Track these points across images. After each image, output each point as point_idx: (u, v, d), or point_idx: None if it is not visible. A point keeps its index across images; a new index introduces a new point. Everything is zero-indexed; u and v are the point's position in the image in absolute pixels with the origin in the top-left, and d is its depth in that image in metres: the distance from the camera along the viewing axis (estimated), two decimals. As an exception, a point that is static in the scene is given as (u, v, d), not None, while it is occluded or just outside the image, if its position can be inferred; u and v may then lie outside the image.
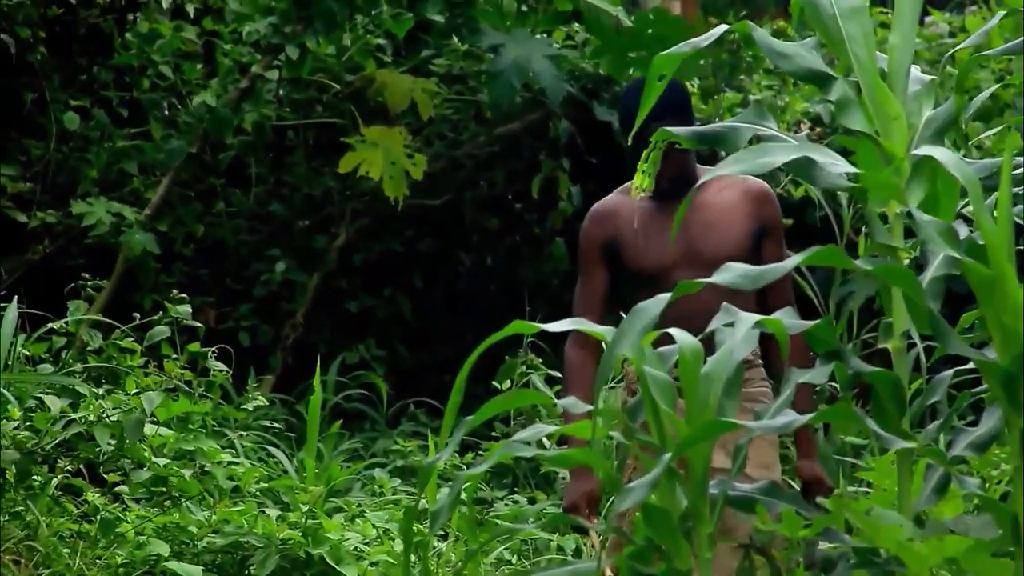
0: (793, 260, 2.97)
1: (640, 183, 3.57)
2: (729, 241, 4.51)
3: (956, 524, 3.11)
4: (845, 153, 3.32)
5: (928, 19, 10.34)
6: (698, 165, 4.63)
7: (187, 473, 6.22)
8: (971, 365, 3.18)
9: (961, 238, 3.02)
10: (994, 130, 7.04)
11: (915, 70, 3.32)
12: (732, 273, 3.05)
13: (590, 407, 3.14)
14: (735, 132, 3.28)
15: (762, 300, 4.48)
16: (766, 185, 4.61)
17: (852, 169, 3.14)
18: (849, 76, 3.26)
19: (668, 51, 3.31)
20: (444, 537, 6.43)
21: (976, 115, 9.21)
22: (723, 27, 3.37)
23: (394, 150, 8.77)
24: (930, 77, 3.32)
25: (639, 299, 4.51)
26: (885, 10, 9.97)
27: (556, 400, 3.24)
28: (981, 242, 3.00)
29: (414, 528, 3.67)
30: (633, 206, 4.58)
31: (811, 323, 3.11)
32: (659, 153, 3.44)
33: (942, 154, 3.04)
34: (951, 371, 3.30)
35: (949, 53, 3.43)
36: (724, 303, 3.20)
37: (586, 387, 4.54)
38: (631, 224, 4.57)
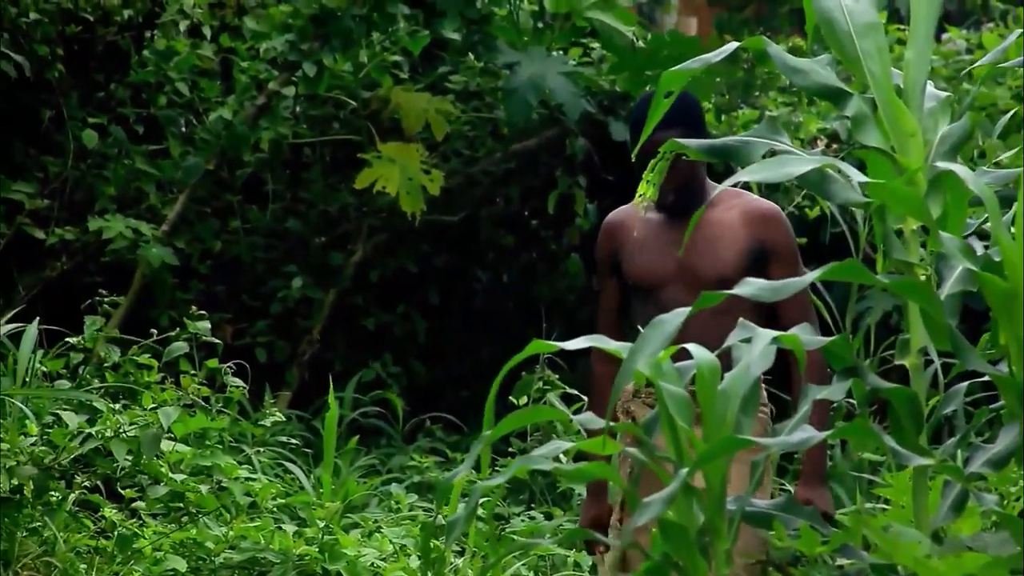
0: (812, 275, 2.97)
1: (644, 192, 3.56)
2: (724, 260, 4.48)
3: (974, 541, 3.11)
4: (861, 169, 3.32)
5: (945, 36, 10.33)
6: (709, 181, 4.62)
7: (204, 489, 6.22)
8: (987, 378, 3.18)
9: (978, 254, 3.03)
10: (1013, 150, 7.03)
11: (930, 86, 3.32)
12: (753, 287, 3.05)
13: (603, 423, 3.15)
14: (747, 146, 3.28)
15: (773, 322, 4.44)
16: (772, 206, 4.56)
17: (867, 180, 3.14)
18: (865, 93, 3.26)
19: (678, 67, 3.32)
20: (461, 553, 6.43)
21: (991, 132, 9.22)
22: (735, 44, 3.38)
23: (411, 166, 8.78)
24: (945, 93, 3.32)
25: (636, 311, 4.55)
26: (902, 27, 9.98)
27: (572, 416, 3.24)
28: (997, 258, 3.00)
29: (431, 544, 3.68)
30: (637, 219, 4.59)
31: (828, 339, 3.11)
32: (665, 164, 3.44)
33: (959, 169, 3.04)
34: (965, 383, 3.30)
35: (966, 70, 3.44)
36: (740, 319, 3.20)
37: (606, 403, 4.54)
38: (632, 235, 4.59)
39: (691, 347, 3.06)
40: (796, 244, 4.59)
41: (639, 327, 4.50)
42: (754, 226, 4.51)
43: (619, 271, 4.63)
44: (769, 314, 4.44)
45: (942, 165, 3.13)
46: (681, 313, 2.99)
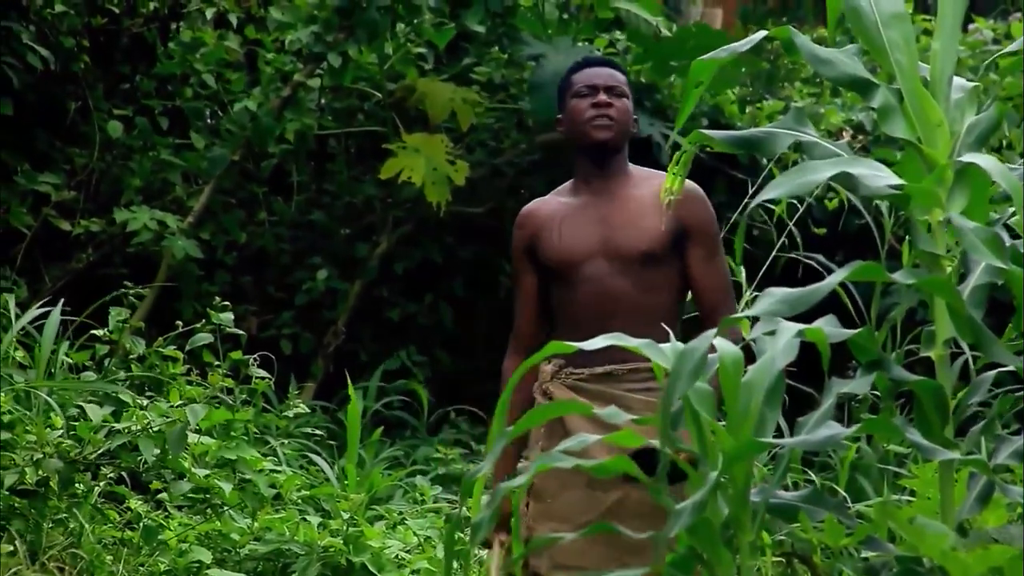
0: (834, 277, 2.95)
1: (670, 185, 3.54)
2: (643, 236, 4.45)
3: (1000, 533, 3.10)
4: (886, 162, 3.31)
5: (972, 26, 10.29)
6: (632, 165, 4.60)
7: (227, 488, 6.23)
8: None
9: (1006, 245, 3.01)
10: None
11: (957, 77, 3.30)
12: (773, 300, 3.02)
13: (629, 416, 3.14)
14: (772, 137, 3.27)
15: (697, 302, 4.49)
16: (692, 185, 4.48)
17: (894, 180, 3.12)
18: (891, 83, 3.24)
19: (706, 56, 3.31)
20: (485, 545, 6.43)
21: (1017, 122, 9.17)
22: (762, 33, 3.36)
23: (436, 157, 8.78)
24: (972, 84, 3.30)
25: (557, 296, 4.55)
26: (928, 17, 9.94)
27: (595, 411, 3.22)
28: (1024, 250, 2.98)
29: (455, 537, 3.67)
30: (557, 201, 4.60)
31: (853, 331, 3.09)
32: (690, 156, 3.42)
33: (986, 161, 3.02)
34: (992, 372, 3.28)
35: (992, 59, 3.42)
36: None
37: (515, 401, 4.54)
38: (549, 220, 4.57)
39: (717, 341, 3.04)
40: (716, 226, 4.55)
41: (559, 313, 4.56)
42: (678, 204, 4.48)
43: (536, 258, 4.62)
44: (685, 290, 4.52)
45: (968, 157, 3.12)
46: (708, 337, 2.96)
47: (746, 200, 3.16)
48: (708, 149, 4.53)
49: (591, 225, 4.51)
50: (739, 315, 3.09)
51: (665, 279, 4.49)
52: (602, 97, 4.53)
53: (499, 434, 3.09)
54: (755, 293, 6.44)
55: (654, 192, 4.46)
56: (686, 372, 2.91)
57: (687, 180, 4.50)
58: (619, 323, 4.23)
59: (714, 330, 2.97)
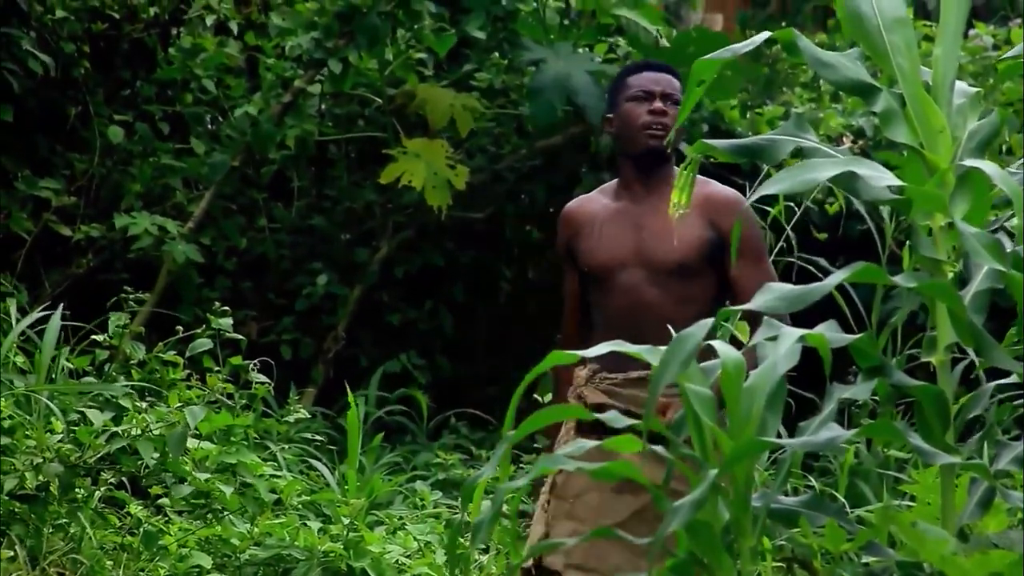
0: (834, 278, 2.95)
1: (677, 199, 3.52)
2: (679, 247, 4.44)
3: (1001, 538, 3.10)
4: (887, 166, 3.31)
5: (972, 32, 10.29)
6: (676, 170, 4.60)
7: (228, 491, 6.23)
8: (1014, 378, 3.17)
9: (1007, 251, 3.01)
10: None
11: (958, 82, 3.31)
12: (772, 296, 3.03)
13: (632, 420, 3.14)
14: (774, 144, 3.27)
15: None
16: (734, 194, 4.51)
17: (896, 182, 3.13)
18: (892, 88, 3.25)
19: (708, 56, 3.31)
20: (486, 550, 6.43)
21: (1018, 127, 9.18)
22: (765, 33, 3.36)
23: (436, 161, 8.78)
24: (974, 89, 3.31)
25: (594, 299, 4.55)
26: (929, 23, 9.94)
27: (598, 415, 3.22)
28: (1026, 255, 2.99)
29: (456, 542, 3.68)
30: (600, 202, 4.59)
31: (854, 337, 3.09)
32: (695, 167, 3.41)
33: (988, 167, 3.02)
34: (993, 384, 3.28)
35: (991, 63, 3.42)
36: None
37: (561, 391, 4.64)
38: (589, 222, 4.57)
39: (717, 344, 3.05)
40: (760, 234, 4.55)
41: (596, 315, 4.56)
42: (715, 214, 4.47)
43: (575, 259, 4.62)
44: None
45: (970, 162, 3.12)
46: (706, 324, 2.96)
47: (750, 196, 3.14)
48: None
49: (628, 232, 4.50)
50: (736, 307, 3.10)
51: (700, 291, 4.47)
52: (658, 104, 4.50)
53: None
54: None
55: (695, 202, 4.37)
56: (679, 356, 2.92)
57: (729, 189, 4.53)
58: (651, 332, 4.17)
59: (709, 321, 2.98)
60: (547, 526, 4.50)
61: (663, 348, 3.07)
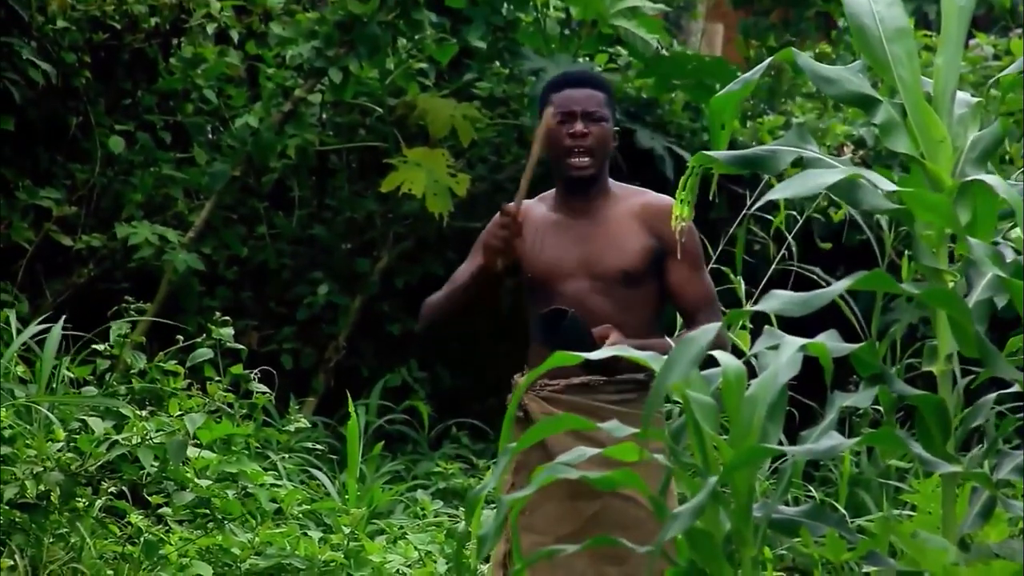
0: (839, 285, 2.96)
1: (680, 212, 3.49)
2: (623, 255, 4.47)
3: (1002, 548, 3.10)
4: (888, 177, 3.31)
5: (972, 41, 10.30)
6: (612, 181, 4.59)
7: (230, 494, 6.23)
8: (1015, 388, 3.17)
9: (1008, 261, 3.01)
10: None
11: (960, 92, 3.31)
12: (777, 301, 3.03)
13: (631, 430, 3.13)
14: (775, 155, 3.27)
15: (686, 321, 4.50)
16: (671, 201, 4.52)
17: (897, 189, 3.12)
18: (893, 98, 3.25)
19: (723, 92, 3.32)
20: (486, 560, 6.43)
21: (1020, 136, 9.18)
22: (769, 59, 3.38)
23: (437, 170, 8.79)
24: (975, 99, 3.31)
25: (530, 306, 4.55)
26: (929, 33, 9.95)
27: (599, 425, 3.22)
28: (1028, 264, 2.99)
29: (460, 552, 3.69)
30: (541, 212, 4.59)
31: (855, 346, 3.09)
32: (696, 179, 3.40)
33: (989, 177, 3.03)
34: (994, 394, 3.29)
35: (995, 78, 3.42)
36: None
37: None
38: (533, 228, 4.56)
39: (718, 353, 3.04)
40: (698, 240, 4.56)
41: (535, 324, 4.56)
42: (651, 222, 4.49)
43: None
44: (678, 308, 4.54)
45: (972, 173, 3.12)
46: (711, 329, 2.96)
47: (750, 203, 3.13)
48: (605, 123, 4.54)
49: (571, 243, 4.52)
50: (744, 311, 3.10)
51: (644, 297, 4.50)
52: (578, 127, 4.50)
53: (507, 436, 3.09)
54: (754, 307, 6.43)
55: (633, 211, 4.49)
56: (682, 361, 2.92)
57: (664, 196, 4.54)
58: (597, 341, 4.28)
59: (715, 326, 2.97)
60: (508, 542, 4.51)
61: (663, 354, 3.07)
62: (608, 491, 4.33)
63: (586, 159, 4.49)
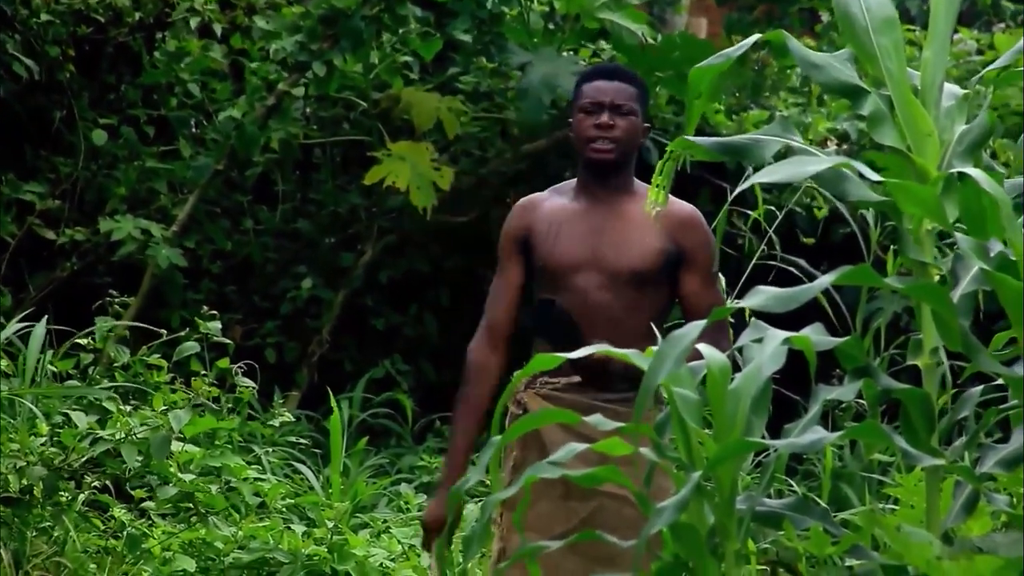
0: (825, 279, 2.95)
1: (655, 198, 3.48)
2: (635, 255, 4.45)
3: (985, 542, 3.10)
4: (873, 166, 3.31)
5: (956, 36, 10.32)
6: (638, 181, 4.58)
7: (213, 489, 6.23)
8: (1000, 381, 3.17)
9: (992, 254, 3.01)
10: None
11: (947, 85, 3.30)
12: (761, 296, 3.02)
13: (615, 424, 3.13)
14: (759, 144, 3.25)
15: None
16: (692, 210, 4.51)
17: (883, 181, 3.12)
18: (879, 90, 3.24)
19: (702, 64, 3.30)
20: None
21: (1004, 132, 9.21)
22: (756, 36, 3.35)
23: (421, 163, 8.78)
24: (963, 92, 3.30)
25: (541, 295, 4.55)
26: (912, 27, 9.96)
27: (584, 419, 3.22)
28: (1013, 258, 2.98)
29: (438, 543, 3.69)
30: (556, 202, 4.58)
31: (840, 340, 3.09)
32: (673, 165, 3.38)
33: (975, 171, 3.02)
34: (980, 387, 3.29)
35: (980, 74, 3.41)
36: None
37: (472, 409, 4.61)
38: (547, 220, 4.56)
39: (702, 347, 3.04)
40: (715, 252, 4.53)
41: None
42: (671, 227, 4.47)
43: (527, 252, 4.60)
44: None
45: (958, 167, 3.12)
46: (698, 326, 2.96)
47: (737, 189, 3.12)
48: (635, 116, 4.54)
49: (586, 235, 4.49)
50: (728, 307, 3.09)
51: (650, 300, 4.48)
52: (604, 119, 4.48)
53: (489, 443, 3.08)
54: (736, 301, 6.44)
55: (658, 214, 4.42)
56: (671, 356, 2.91)
57: (687, 204, 4.52)
58: (599, 337, 4.24)
59: (703, 320, 2.97)
60: (503, 540, 4.50)
61: (648, 352, 3.07)
62: (603, 492, 4.34)
63: (609, 145, 4.47)
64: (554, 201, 4.59)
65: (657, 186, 3.37)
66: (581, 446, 3.10)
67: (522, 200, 4.66)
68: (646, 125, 4.56)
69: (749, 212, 7.51)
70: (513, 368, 4.67)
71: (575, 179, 4.61)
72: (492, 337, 4.64)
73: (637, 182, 4.56)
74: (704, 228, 4.51)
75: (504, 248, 4.65)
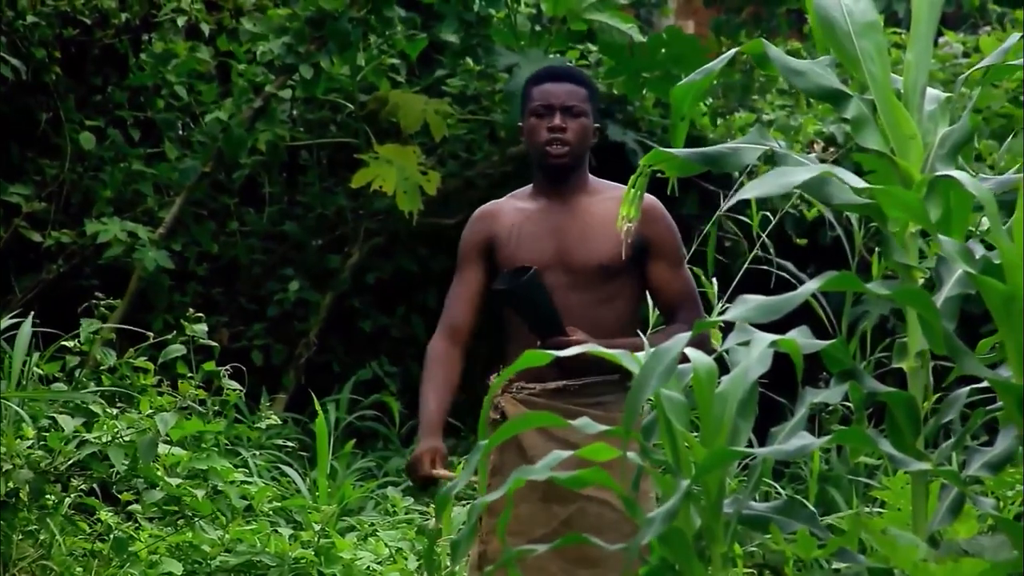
0: (808, 287, 2.95)
1: (626, 213, 3.46)
2: (601, 251, 4.46)
3: (971, 545, 3.10)
4: (859, 172, 3.32)
5: (942, 39, 10.33)
6: (592, 177, 4.59)
7: (200, 493, 6.22)
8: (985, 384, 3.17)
9: (977, 257, 3.02)
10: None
11: (930, 88, 3.31)
12: (746, 306, 3.02)
13: (603, 427, 3.13)
14: (735, 152, 3.26)
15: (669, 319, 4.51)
16: (653, 201, 4.49)
17: (868, 187, 3.13)
18: (863, 94, 3.25)
19: (684, 81, 3.31)
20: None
21: (989, 134, 9.22)
22: (735, 49, 3.37)
23: (408, 166, 8.78)
24: (945, 95, 3.31)
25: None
26: (898, 30, 9.97)
27: (570, 422, 3.22)
28: (997, 261, 2.99)
29: (431, 550, 3.68)
30: (514, 207, 4.59)
31: (826, 343, 3.10)
32: (645, 179, 3.36)
33: (958, 173, 3.03)
34: (965, 389, 3.29)
35: (964, 75, 3.42)
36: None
37: (442, 384, 4.54)
38: (508, 225, 4.56)
39: (688, 351, 3.04)
40: (679, 238, 4.54)
41: (510, 323, 4.55)
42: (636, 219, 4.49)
43: (489, 258, 4.60)
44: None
45: (941, 169, 3.13)
46: (683, 338, 2.95)
47: (725, 202, 3.11)
48: (585, 118, 4.55)
49: (548, 237, 4.51)
50: (713, 320, 3.10)
51: (622, 290, 4.49)
52: (556, 121, 4.49)
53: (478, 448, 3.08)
54: (726, 305, 6.45)
55: (612, 206, 4.42)
56: (657, 372, 2.91)
57: (647, 195, 4.50)
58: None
59: (688, 333, 2.96)
60: (483, 543, 4.50)
61: (638, 355, 3.07)
62: (583, 495, 4.34)
63: (564, 148, 4.48)
64: (513, 205, 4.61)
65: (629, 202, 3.36)
66: (565, 453, 3.09)
67: (480, 208, 4.69)
68: (596, 126, 4.57)
69: (739, 217, 7.50)
70: (486, 361, 4.69)
71: (531, 184, 4.63)
72: (453, 335, 4.66)
73: (591, 178, 4.57)
74: (665, 217, 4.53)
75: (465, 254, 4.66)
